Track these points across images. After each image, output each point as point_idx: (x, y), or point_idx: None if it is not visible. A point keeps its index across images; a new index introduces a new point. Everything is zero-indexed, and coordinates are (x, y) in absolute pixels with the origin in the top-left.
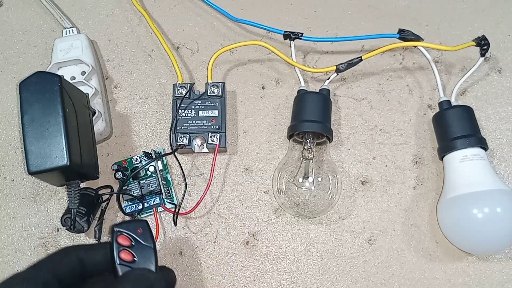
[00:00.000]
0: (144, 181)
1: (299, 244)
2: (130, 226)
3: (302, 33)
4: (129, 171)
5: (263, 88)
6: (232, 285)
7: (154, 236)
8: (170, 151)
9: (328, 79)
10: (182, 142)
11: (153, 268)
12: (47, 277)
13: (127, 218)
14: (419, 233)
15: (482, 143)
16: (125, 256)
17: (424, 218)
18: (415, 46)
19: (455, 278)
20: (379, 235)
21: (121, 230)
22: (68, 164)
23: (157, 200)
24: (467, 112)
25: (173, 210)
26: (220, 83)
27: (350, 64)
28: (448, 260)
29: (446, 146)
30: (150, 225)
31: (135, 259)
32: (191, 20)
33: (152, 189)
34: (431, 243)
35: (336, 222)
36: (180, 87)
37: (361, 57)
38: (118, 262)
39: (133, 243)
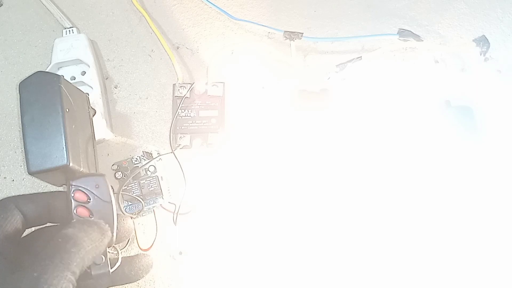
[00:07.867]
0: (144, 181)
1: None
2: (87, 181)
3: (302, 33)
4: (129, 171)
5: (263, 88)
6: (233, 284)
7: (113, 192)
8: (170, 151)
9: (328, 79)
10: (182, 142)
11: (111, 223)
12: None
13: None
14: None
15: None
16: (82, 212)
17: None
18: (415, 46)
19: None
20: None
21: (78, 185)
22: (68, 164)
23: (157, 200)
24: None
25: (173, 210)
26: (220, 83)
27: (350, 64)
28: None
29: None
30: (150, 225)
31: (91, 216)
32: (191, 20)
33: (152, 189)
34: None
35: None
36: (180, 87)
37: (361, 57)
38: (74, 218)
39: (90, 199)
